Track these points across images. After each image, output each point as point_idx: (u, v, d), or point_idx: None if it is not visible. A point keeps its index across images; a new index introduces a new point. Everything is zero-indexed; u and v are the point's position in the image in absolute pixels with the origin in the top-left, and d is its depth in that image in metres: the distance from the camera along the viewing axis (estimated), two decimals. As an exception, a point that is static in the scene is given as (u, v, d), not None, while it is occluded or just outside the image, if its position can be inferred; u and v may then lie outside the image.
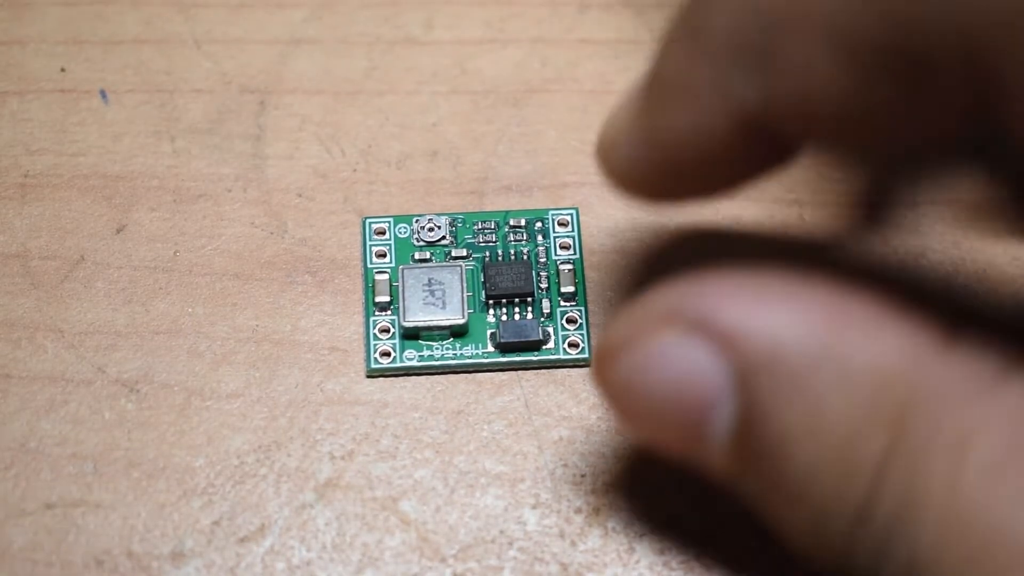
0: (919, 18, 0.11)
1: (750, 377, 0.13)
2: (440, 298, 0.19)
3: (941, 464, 0.11)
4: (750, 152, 0.14)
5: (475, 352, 0.19)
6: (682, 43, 0.14)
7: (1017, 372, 0.12)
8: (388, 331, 0.19)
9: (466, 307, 0.19)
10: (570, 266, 0.19)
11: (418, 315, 0.19)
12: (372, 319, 0.19)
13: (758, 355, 0.13)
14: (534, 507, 0.18)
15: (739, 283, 0.13)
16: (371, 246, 0.19)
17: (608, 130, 0.15)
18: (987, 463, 0.11)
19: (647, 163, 0.15)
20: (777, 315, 0.13)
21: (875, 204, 0.20)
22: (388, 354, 0.19)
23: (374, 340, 0.19)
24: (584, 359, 0.19)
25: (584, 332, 0.19)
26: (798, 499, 0.13)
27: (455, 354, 0.19)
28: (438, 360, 0.19)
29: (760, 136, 0.13)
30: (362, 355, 0.19)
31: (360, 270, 0.19)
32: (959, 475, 0.11)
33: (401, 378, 0.19)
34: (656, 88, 0.14)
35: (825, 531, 0.13)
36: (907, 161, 0.14)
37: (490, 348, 0.19)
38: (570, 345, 0.19)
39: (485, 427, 0.18)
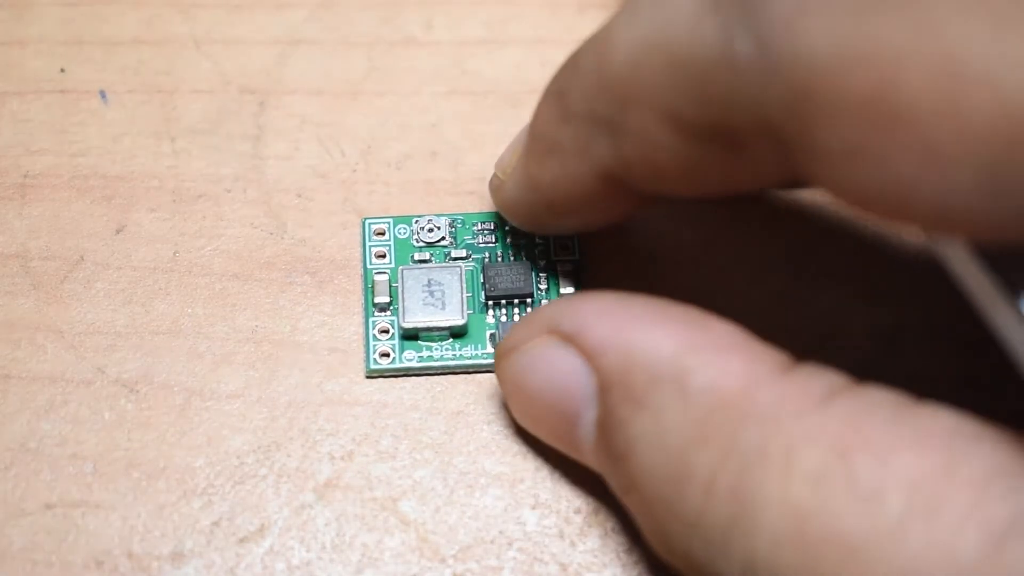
0: (728, 106, 0.13)
1: (606, 388, 0.15)
2: (440, 299, 0.19)
3: (771, 473, 0.13)
4: (612, 197, 0.16)
5: (474, 353, 0.19)
6: (551, 104, 0.16)
7: (843, 393, 0.13)
8: (388, 332, 0.19)
9: (465, 308, 0.19)
10: (569, 267, 0.19)
11: (417, 316, 0.19)
12: (371, 320, 0.19)
13: (613, 369, 0.15)
14: (534, 507, 0.18)
15: (611, 304, 0.15)
16: (371, 247, 0.19)
17: (498, 171, 0.18)
18: (812, 471, 0.13)
19: (527, 203, 0.17)
20: (634, 335, 0.15)
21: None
22: (387, 355, 0.19)
23: (373, 341, 0.19)
24: None
25: None
26: (646, 502, 0.14)
27: (455, 355, 0.19)
28: (437, 361, 0.19)
29: (618, 185, 0.16)
30: (361, 356, 0.19)
31: (359, 270, 0.19)
32: (788, 483, 0.13)
33: (401, 379, 0.19)
34: (532, 141, 0.17)
35: (668, 533, 0.14)
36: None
37: (489, 349, 0.19)
38: None
39: (485, 427, 0.18)
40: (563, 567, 0.17)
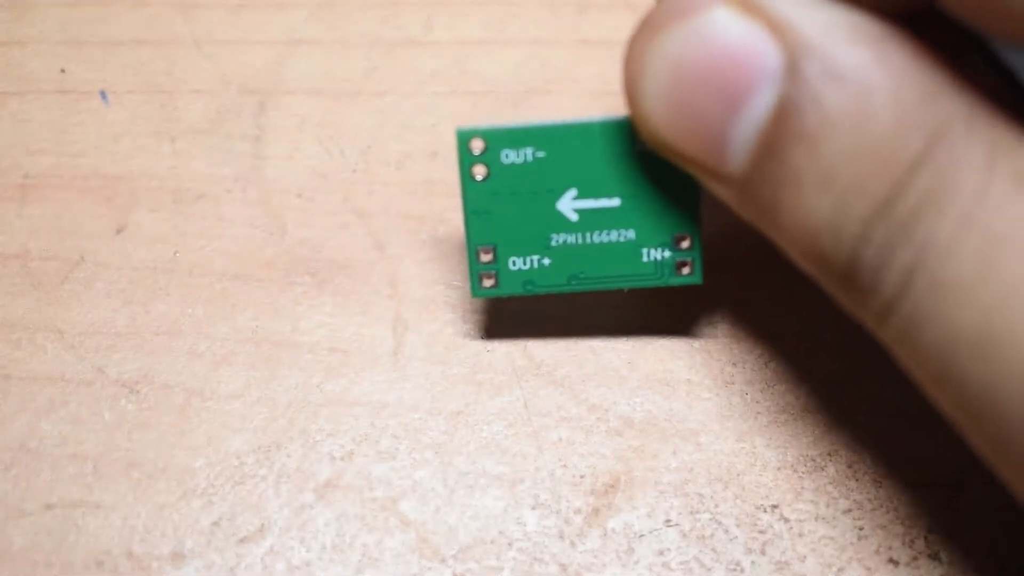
0: None
1: (801, 61, 0.13)
2: None
3: (973, 168, 0.12)
4: None
5: None
6: None
7: None
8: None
9: None
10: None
11: None
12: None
13: (812, 42, 0.13)
14: (533, 508, 0.18)
15: None
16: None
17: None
18: (1014, 175, 0.12)
19: None
20: (833, 14, 0.13)
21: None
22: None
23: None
24: None
25: None
26: (823, 187, 0.13)
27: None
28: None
29: None
30: (361, 356, 0.19)
31: (359, 269, 0.19)
32: (988, 183, 0.12)
33: (400, 379, 0.19)
34: None
35: (842, 221, 0.13)
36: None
37: None
38: None
39: (485, 428, 0.18)
40: (563, 567, 0.17)
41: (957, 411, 0.13)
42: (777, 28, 0.13)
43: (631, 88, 0.15)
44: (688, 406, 0.18)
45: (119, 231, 0.20)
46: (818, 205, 0.13)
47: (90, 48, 0.22)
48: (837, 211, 0.13)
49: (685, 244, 0.17)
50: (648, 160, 0.17)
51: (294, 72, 0.21)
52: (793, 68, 0.13)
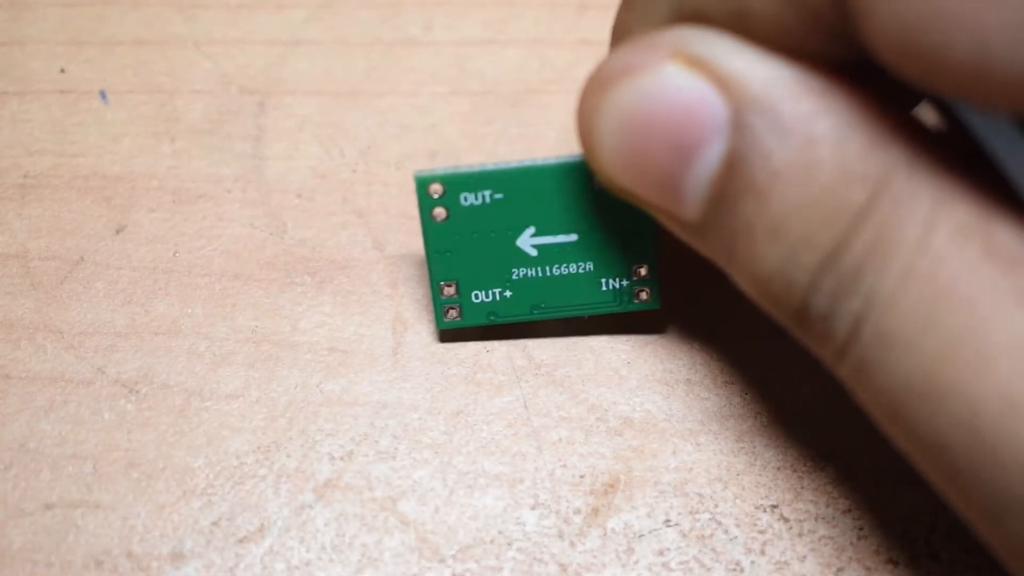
0: None
1: (747, 116, 0.14)
2: None
3: (916, 221, 0.13)
4: None
5: None
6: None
7: (970, 164, 0.13)
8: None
9: None
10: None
11: None
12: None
13: (757, 97, 0.14)
14: (533, 508, 0.18)
15: (738, 41, 0.14)
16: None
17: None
18: (955, 228, 0.12)
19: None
20: (776, 68, 0.14)
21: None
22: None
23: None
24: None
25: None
26: (772, 237, 0.14)
27: None
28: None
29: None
30: (361, 356, 0.19)
31: (359, 269, 0.19)
32: (932, 231, 0.12)
33: (400, 379, 0.19)
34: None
35: (791, 271, 0.14)
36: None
37: None
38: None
39: (484, 428, 0.18)
40: (563, 567, 0.17)
41: (911, 451, 0.13)
42: (722, 83, 0.14)
43: (586, 140, 0.15)
44: (688, 406, 0.18)
45: (119, 231, 0.20)
46: (768, 254, 0.14)
47: (90, 48, 0.22)
48: (786, 260, 0.14)
49: (643, 272, 0.18)
50: (603, 198, 0.18)
51: (294, 72, 0.21)
52: (739, 122, 0.14)
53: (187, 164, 0.20)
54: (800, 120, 0.13)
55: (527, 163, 0.17)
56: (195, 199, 0.20)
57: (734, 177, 0.14)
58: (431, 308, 0.19)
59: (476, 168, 0.17)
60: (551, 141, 0.21)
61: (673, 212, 0.15)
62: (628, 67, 0.14)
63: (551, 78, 0.21)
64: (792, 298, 0.14)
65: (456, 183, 0.17)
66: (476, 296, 0.18)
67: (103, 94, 0.21)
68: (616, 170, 0.15)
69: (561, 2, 0.22)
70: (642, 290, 0.18)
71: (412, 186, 0.20)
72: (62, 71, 0.21)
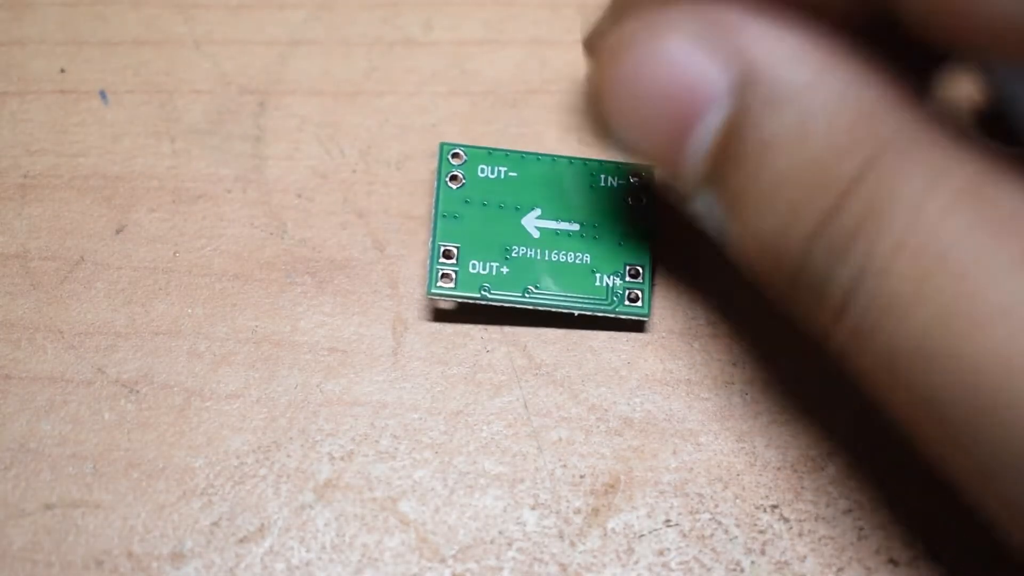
0: None
1: (747, 86, 0.14)
2: None
3: (911, 188, 0.13)
4: None
5: None
6: None
7: (973, 135, 0.13)
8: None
9: None
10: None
11: None
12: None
13: (757, 68, 0.14)
14: (533, 508, 0.18)
15: (747, 10, 0.14)
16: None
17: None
18: (951, 195, 0.13)
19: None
20: (777, 41, 0.14)
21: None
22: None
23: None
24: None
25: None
26: (766, 204, 0.14)
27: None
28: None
29: None
30: (361, 356, 0.19)
31: (359, 270, 0.19)
32: (925, 200, 0.13)
33: (400, 379, 0.19)
34: None
35: (785, 237, 0.14)
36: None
37: None
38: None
39: (484, 428, 0.18)
40: (563, 567, 0.17)
41: (908, 412, 0.13)
42: (724, 54, 0.14)
43: (595, 106, 0.16)
44: (688, 406, 0.18)
45: (119, 231, 0.20)
46: (762, 224, 0.14)
47: (90, 48, 0.22)
48: (778, 231, 0.14)
49: (637, 274, 0.19)
50: (608, 196, 0.19)
51: (294, 72, 0.21)
52: (737, 92, 0.14)
53: (187, 164, 0.20)
54: (796, 91, 0.14)
55: (546, 154, 0.19)
56: (195, 199, 0.20)
57: (729, 147, 0.14)
58: (431, 308, 0.19)
59: (498, 148, 0.19)
60: (551, 141, 0.21)
61: (676, 172, 0.15)
62: (633, 39, 0.15)
63: (551, 78, 0.21)
64: (784, 269, 0.14)
65: (477, 156, 0.19)
66: (473, 266, 0.19)
67: (103, 94, 0.21)
68: (624, 130, 0.16)
69: (561, 2, 0.22)
70: (635, 293, 0.18)
71: (413, 186, 0.20)
72: (62, 71, 0.21)
